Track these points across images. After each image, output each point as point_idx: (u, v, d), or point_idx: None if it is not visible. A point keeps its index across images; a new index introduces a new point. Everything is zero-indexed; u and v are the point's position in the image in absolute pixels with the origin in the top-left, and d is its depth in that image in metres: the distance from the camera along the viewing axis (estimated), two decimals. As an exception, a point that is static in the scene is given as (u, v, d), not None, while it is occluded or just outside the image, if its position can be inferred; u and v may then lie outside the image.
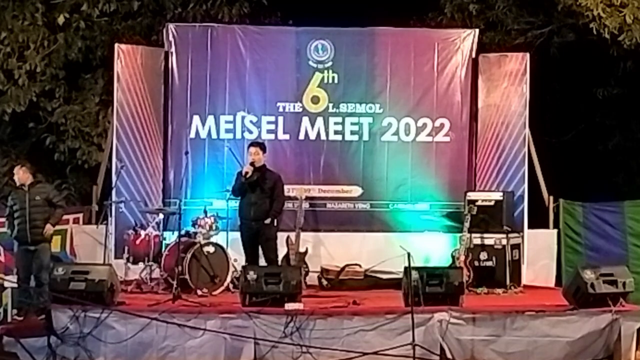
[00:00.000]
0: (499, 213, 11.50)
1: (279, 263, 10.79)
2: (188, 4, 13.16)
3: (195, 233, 10.86)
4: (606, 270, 9.43)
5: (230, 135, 12.10)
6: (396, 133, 12.23)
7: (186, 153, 11.73)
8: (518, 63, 12.09)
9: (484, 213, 11.43)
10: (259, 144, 10.89)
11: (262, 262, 10.54)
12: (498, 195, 11.64)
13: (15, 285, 9.94)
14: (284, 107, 12.20)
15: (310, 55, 12.18)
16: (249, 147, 10.92)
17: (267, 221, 10.52)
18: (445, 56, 12.27)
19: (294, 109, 12.20)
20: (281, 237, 11.04)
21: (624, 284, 9.34)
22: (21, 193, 10.09)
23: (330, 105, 12.20)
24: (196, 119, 12.08)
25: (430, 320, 9.05)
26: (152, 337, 8.93)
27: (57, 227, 10.45)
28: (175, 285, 9.81)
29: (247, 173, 10.54)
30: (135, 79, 11.86)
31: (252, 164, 10.61)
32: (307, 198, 11.97)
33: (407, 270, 9.21)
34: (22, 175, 10.18)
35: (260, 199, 10.57)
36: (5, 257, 10.71)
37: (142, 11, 13.16)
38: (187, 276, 10.34)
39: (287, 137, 12.19)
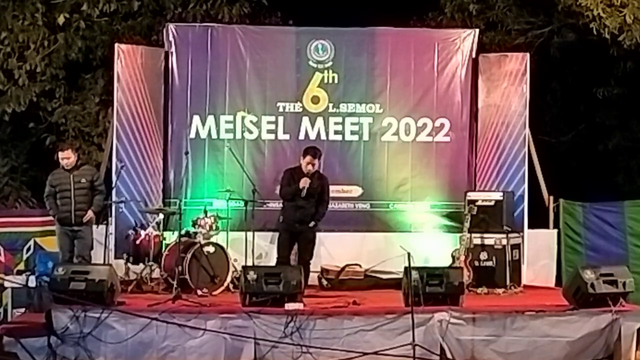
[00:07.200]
0: (499, 213, 11.48)
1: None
2: (188, 4, 13.13)
3: (196, 233, 10.85)
4: (606, 270, 9.42)
5: (231, 135, 12.09)
6: (396, 133, 12.22)
7: (186, 153, 11.72)
8: (518, 63, 12.08)
9: (484, 213, 11.42)
10: (314, 152, 10.83)
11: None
12: (498, 195, 11.63)
13: (16, 285, 9.96)
14: (284, 107, 12.19)
15: (310, 55, 12.17)
16: (304, 154, 10.80)
17: (312, 224, 10.69)
18: (445, 56, 12.26)
19: (294, 109, 12.19)
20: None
21: (624, 284, 9.34)
22: (64, 175, 10.09)
23: (330, 105, 12.19)
24: (196, 119, 12.07)
25: (430, 320, 9.04)
26: (152, 337, 8.92)
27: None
28: (175, 285, 9.82)
29: (304, 188, 10.61)
30: (135, 79, 11.84)
31: (307, 174, 10.67)
32: (307, 198, 11.98)
33: (407, 270, 9.21)
34: (73, 157, 10.15)
35: (307, 203, 10.68)
36: (5, 257, 10.70)
37: (142, 11, 13.12)
38: (187, 276, 10.33)
39: (287, 137, 12.18)
